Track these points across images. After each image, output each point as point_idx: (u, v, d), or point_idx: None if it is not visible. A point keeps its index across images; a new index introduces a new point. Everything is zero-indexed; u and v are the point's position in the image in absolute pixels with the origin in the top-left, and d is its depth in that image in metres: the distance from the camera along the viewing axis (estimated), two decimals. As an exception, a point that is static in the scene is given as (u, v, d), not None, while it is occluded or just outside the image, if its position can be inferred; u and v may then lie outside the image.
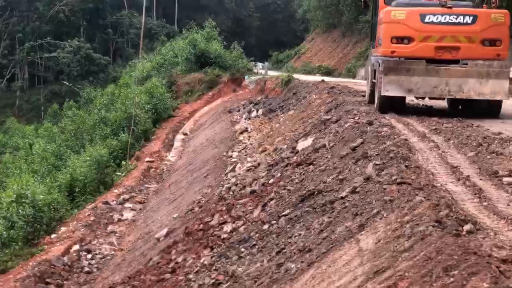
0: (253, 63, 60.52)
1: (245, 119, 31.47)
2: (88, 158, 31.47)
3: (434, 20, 15.16)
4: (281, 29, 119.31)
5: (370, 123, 13.07)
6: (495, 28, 15.09)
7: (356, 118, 14.61)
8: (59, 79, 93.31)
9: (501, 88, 15.04)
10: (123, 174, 31.09)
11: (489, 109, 15.61)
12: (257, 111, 31.93)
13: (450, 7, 15.30)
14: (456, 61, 15.53)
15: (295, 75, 41.44)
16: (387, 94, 15.52)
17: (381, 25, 16.48)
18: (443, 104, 18.45)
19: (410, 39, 15.40)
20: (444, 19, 15.10)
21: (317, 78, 40.33)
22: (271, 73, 52.75)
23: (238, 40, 62.84)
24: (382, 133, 11.68)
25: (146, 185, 28.23)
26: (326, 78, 38.90)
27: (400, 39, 15.50)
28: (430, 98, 17.07)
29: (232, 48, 55.82)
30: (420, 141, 11.40)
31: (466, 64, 15.31)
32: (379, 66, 15.97)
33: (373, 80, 17.33)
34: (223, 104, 42.45)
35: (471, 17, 15.08)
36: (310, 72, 60.19)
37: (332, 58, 66.37)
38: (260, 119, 29.42)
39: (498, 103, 15.59)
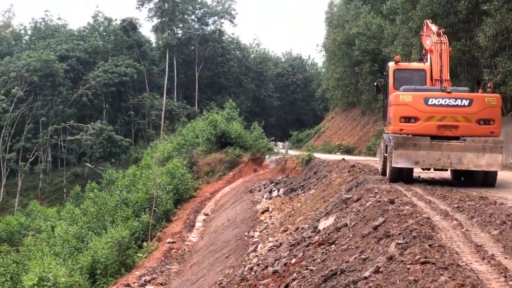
0: (274, 142, 60.89)
1: (266, 198, 31.45)
2: (109, 240, 31.44)
3: (436, 103, 17.41)
4: (301, 109, 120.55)
5: (391, 202, 13.01)
6: (489, 109, 17.43)
7: (377, 196, 14.55)
8: (81, 161, 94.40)
9: (495, 161, 17.21)
10: (144, 256, 30.99)
11: (486, 179, 17.82)
12: (278, 191, 31.93)
13: (450, 92, 17.65)
14: (456, 137, 17.59)
15: (316, 154, 41.63)
16: (397, 166, 17.73)
17: (391, 107, 18.75)
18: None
19: (416, 119, 17.66)
20: (445, 102, 17.38)
21: (338, 156, 40.51)
22: (292, 152, 53.00)
23: (258, 119, 63.58)
24: (404, 211, 11.60)
25: (168, 266, 28.06)
26: (347, 157, 39.03)
27: (407, 119, 17.77)
28: (434, 169, 19.02)
29: (252, 128, 56.27)
30: (443, 220, 11.30)
31: (465, 140, 17.41)
32: (390, 141, 18.08)
33: (385, 154, 19.45)
34: (244, 184, 42.52)
35: (468, 100, 17.38)
36: (330, 150, 60.43)
37: (352, 136, 66.66)
38: (281, 199, 29.39)
39: (494, 174, 17.77)
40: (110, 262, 29.70)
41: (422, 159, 17.51)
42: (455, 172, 19.77)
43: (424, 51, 20.98)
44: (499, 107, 17.85)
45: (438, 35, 19.79)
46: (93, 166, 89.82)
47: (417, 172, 21.04)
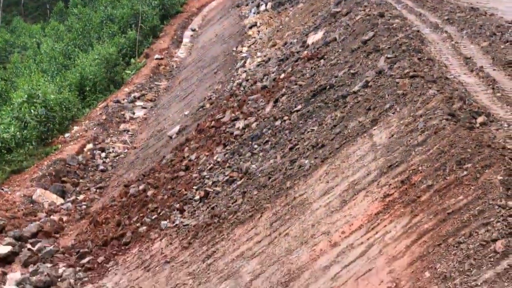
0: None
1: (254, 13, 30.98)
2: (96, 57, 31.19)
3: None
4: None
5: (381, 15, 12.83)
6: None
7: (367, 10, 14.31)
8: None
9: None
10: (132, 72, 30.97)
11: None
12: (266, 5, 31.35)
13: None
14: None
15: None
16: None
17: None
18: None
19: None
20: None
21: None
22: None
23: None
24: (394, 25, 11.47)
25: (156, 83, 28.18)
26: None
27: None
28: None
29: None
30: (433, 32, 11.21)
31: None
32: None
33: None
34: (231, -2, 41.74)
35: None
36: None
37: None
38: (269, 13, 28.94)
39: None
40: (99, 79, 29.66)
41: None
42: None
43: None
44: None
45: None
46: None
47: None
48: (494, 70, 8.16)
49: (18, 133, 21.47)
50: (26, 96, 23.07)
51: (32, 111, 22.25)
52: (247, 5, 34.81)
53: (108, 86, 29.79)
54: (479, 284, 4.05)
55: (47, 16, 77.23)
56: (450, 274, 4.28)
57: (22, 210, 15.01)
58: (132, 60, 33.34)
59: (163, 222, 10.33)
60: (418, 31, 10.67)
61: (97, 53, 31.65)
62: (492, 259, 4.17)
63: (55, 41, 43.92)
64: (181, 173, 11.99)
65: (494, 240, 4.30)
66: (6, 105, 25.05)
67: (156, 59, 32.07)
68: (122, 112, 23.96)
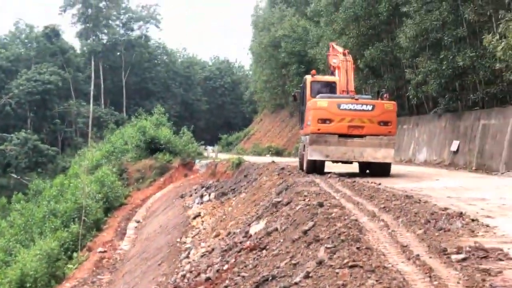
0: (203, 146, 60.84)
1: (198, 203, 31.39)
2: (38, 252, 30.81)
3: (346, 108, 21.18)
4: (230, 112, 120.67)
5: (320, 205, 13.18)
6: (387, 113, 21.43)
7: (307, 200, 14.69)
8: (6, 172, 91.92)
9: (389, 154, 21.37)
10: (75, 267, 30.51)
11: (383, 170, 21.59)
12: (209, 195, 31.90)
13: (357, 99, 21.59)
14: (363, 135, 21.28)
15: (246, 157, 41.79)
16: (311, 158, 21.56)
17: (310, 111, 22.39)
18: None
19: (330, 120, 21.29)
20: (353, 107, 21.19)
21: (267, 159, 40.71)
22: (222, 156, 53.03)
23: (187, 124, 63.42)
24: (333, 214, 11.75)
25: (99, 276, 27.69)
26: (276, 159, 39.31)
27: (323, 120, 21.36)
28: (342, 162, 22.65)
29: (181, 133, 56.14)
30: (370, 221, 11.50)
31: (365, 137, 21.23)
32: (307, 140, 21.96)
33: (302, 152, 23.69)
34: (175, 189, 42.34)
35: (371, 106, 21.33)
36: (260, 153, 60.69)
37: (281, 138, 67.10)
38: (213, 203, 29.38)
39: (388, 165, 21.75)
40: (40, 274, 29.12)
41: (331, 153, 21.28)
42: (360, 166, 23.33)
43: (332, 68, 25.55)
44: (395, 111, 21.77)
45: (344, 54, 24.53)
46: (19, 177, 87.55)
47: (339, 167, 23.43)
48: (430, 258, 8.35)
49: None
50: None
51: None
52: (191, 195, 35.38)
53: (49, 281, 29.21)
54: None
55: (-11, 213, 76.23)
56: None
57: None
58: (75, 254, 32.96)
59: None
60: (356, 220, 10.96)
61: (38, 248, 31.30)
62: None
63: (-4, 238, 43.28)
64: None
65: None
66: None
67: (99, 252, 31.76)
68: (63, 310, 23.31)
